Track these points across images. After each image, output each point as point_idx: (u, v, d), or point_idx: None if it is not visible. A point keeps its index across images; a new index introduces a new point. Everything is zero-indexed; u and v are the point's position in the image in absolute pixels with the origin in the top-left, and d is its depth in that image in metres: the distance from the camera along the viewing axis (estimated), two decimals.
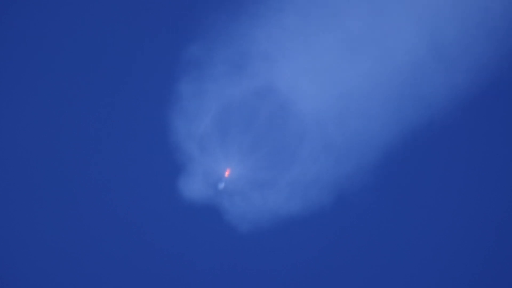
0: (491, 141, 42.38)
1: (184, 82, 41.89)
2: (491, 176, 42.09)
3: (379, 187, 41.84)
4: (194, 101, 41.57)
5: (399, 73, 41.59)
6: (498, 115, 42.40)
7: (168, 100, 42.09)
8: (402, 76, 41.57)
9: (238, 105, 41.02)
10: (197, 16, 42.67)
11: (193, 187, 40.87)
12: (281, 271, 41.28)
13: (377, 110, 41.42)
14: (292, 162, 40.81)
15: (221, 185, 40.47)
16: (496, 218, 41.72)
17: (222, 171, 40.70)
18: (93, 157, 41.81)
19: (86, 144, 41.96)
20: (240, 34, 41.94)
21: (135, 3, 43.07)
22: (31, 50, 42.74)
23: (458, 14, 41.60)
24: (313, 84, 41.55)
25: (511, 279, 41.17)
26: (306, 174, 40.75)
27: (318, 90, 41.38)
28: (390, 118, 41.34)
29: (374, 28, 41.64)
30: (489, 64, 41.80)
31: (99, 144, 42.03)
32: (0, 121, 42.04)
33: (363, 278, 41.29)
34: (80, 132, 42.12)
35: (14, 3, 42.75)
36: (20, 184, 41.64)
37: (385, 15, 41.86)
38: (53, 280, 41.18)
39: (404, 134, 41.67)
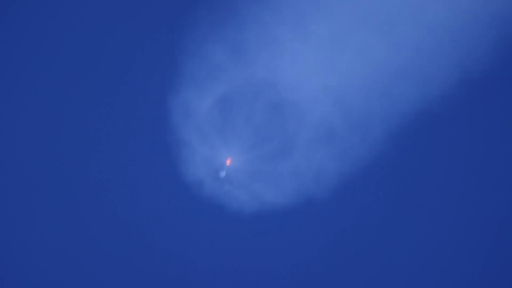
0: (489, 135, 42.49)
1: (184, 73, 42.00)
2: (491, 169, 42.24)
3: (378, 180, 42.00)
4: (194, 92, 41.74)
5: (399, 65, 41.64)
6: (495, 109, 42.47)
7: (169, 90, 42.18)
8: (402, 68, 41.61)
9: (239, 95, 41.22)
10: (198, 7, 42.56)
11: (194, 176, 41.26)
12: (282, 260, 41.63)
13: (378, 102, 41.50)
14: (293, 152, 41.14)
15: (223, 174, 40.84)
16: (496, 211, 41.91)
17: (223, 160, 41.01)
18: (92, 149, 41.95)
19: (85, 135, 42.08)
20: (241, 25, 41.94)
21: None
22: (31, 50, 42.69)
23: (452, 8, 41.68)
24: (314, 77, 41.64)
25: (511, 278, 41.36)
26: (308, 163, 41.07)
27: (319, 82, 41.49)
28: (390, 111, 41.42)
29: (375, 19, 41.63)
30: (481, 58, 41.88)
31: (99, 137, 42.18)
32: (0, 121, 42.10)
33: (362, 272, 41.56)
34: (79, 123, 42.19)
35: (14, 3, 42.61)
36: (20, 184, 41.77)
37: (383, 10, 41.87)
38: (53, 280, 41.41)
39: (404, 128, 41.79)
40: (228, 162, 40.80)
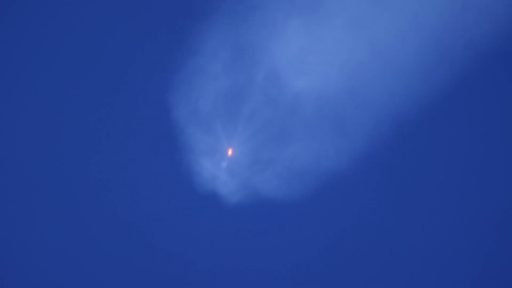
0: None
1: (186, 66, 42.43)
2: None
3: (378, 173, 42.15)
4: (196, 85, 42.10)
5: (397, 58, 41.95)
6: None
7: (171, 82, 42.51)
8: (401, 62, 41.89)
9: (240, 88, 41.63)
10: (199, 3, 43.06)
11: (195, 166, 41.52)
12: (282, 251, 41.57)
13: (376, 95, 41.74)
14: (293, 144, 41.44)
15: (224, 164, 41.27)
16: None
17: (225, 151, 41.33)
18: (94, 141, 42.08)
19: (86, 125, 42.23)
20: (242, 18, 42.36)
21: None
22: (31, 50, 42.96)
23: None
24: (312, 71, 41.90)
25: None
26: (307, 155, 41.33)
27: (318, 76, 41.75)
28: (389, 105, 41.59)
29: (375, 13, 42.02)
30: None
31: (101, 130, 42.32)
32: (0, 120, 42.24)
33: (362, 264, 41.46)
34: (81, 111, 42.39)
35: (14, 3, 42.97)
36: (21, 184, 41.77)
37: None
38: (53, 278, 41.19)
39: (404, 122, 41.97)
40: (229, 152, 41.17)
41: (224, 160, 41.08)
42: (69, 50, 42.99)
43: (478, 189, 41.80)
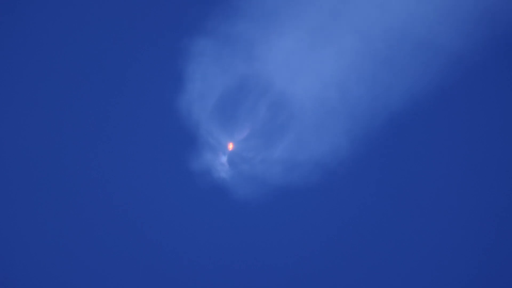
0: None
1: (189, 66, 42.63)
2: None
3: (372, 170, 42.25)
4: (196, 85, 42.27)
5: (388, 58, 42.06)
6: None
7: (174, 81, 42.66)
8: (394, 61, 42.03)
9: (239, 87, 41.83)
10: (198, 7, 43.18)
11: (197, 160, 41.66)
12: (282, 244, 41.63)
13: (371, 94, 41.92)
14: (288, 141, 41.65)
15: (224, 158, 41.45)
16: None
17: (225, 145, 41.51)
18: (99, 139, 42.19)
19: (91, 125, 42.35)
20: (239, 24, 42.58)
21: None
22: (32, 49, 43.06)
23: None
24: (307, 70, 42.08)
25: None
26: (305, 151, 41.53)
27: (313, 75, 41.93)
28: (380, 102, 41.78)
29: (365, 14, 42.16)
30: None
31: (107, 128, 42.47)
32: (7, 120, 42.29)
33: (359, 257, 41.56)
34: (83, 114, 42.47)
35: (14, 3, 43.04)
36: (25, 181, 41.83)
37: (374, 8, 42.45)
38: (55, 276, 41.24)
39: (396, 120, 42.11)
40: (230, 147, 41.49)
41: (225, 154, 41.48)
42: (80, 51, 43.18)
43: (476, 185, 41.87)
